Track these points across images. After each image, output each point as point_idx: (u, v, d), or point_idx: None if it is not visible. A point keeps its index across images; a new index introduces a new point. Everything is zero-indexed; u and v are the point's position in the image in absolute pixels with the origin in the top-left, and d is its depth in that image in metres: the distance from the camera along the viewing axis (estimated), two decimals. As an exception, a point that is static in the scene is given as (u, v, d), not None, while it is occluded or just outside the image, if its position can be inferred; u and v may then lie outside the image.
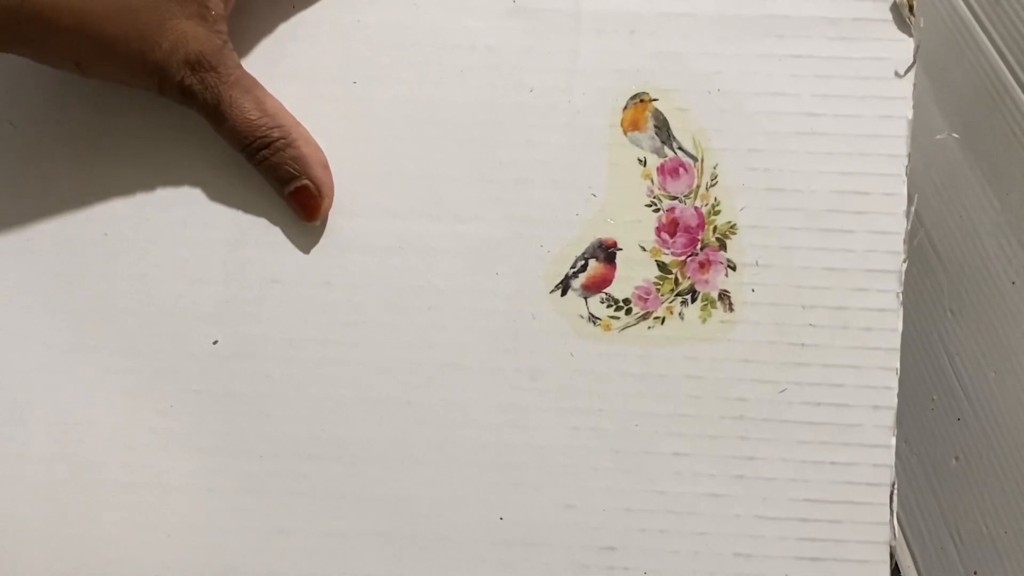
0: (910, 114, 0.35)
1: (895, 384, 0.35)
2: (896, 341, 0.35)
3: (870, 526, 0.35)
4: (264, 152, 0.34)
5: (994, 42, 0.39)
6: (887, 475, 0.35)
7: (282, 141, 0.34)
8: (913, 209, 0.35)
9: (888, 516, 0.35)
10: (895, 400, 0.35)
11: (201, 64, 0.33)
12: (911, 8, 0.35)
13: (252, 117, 0.34)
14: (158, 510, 0.35)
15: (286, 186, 0.35)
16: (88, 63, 0.33)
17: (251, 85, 0.34)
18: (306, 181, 0.35)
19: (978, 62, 0.40)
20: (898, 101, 0.35)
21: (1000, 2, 0.38)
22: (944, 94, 0.42)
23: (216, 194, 0.36)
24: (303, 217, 0.35)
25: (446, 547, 0.35)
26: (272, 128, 0.34)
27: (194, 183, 0.36)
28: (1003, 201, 0.40)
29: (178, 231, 0.36)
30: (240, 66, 0.34)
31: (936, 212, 0.43)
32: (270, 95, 0.35)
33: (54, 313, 0.36)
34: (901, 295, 0.35)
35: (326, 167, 0.35)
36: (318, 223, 0.36)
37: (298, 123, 0.35)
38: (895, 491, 0.35)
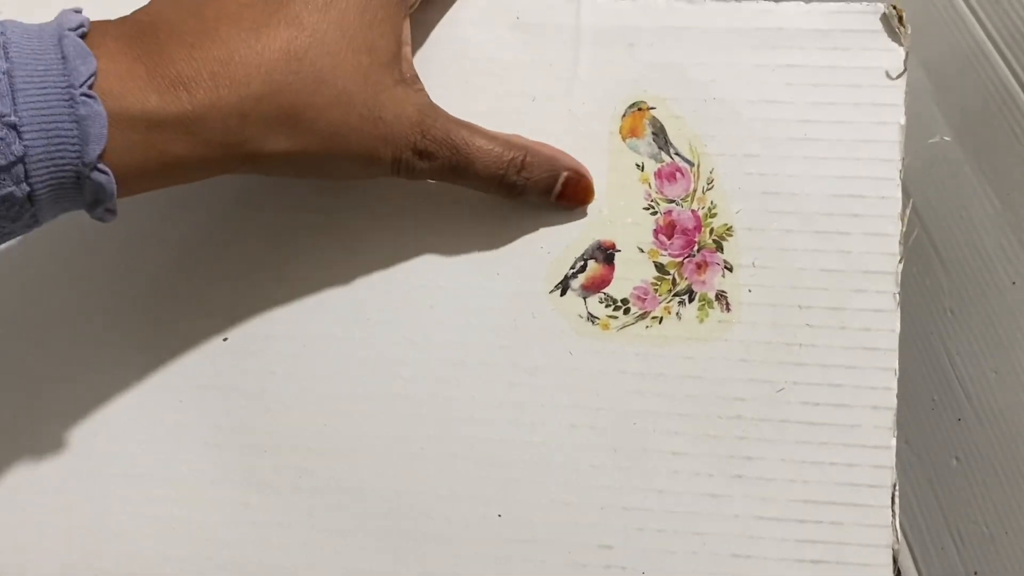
0: (903, 120, 0.36)
1: (894, 384, 0.35)
2: (894, 342, 0.36)
3: (872, 528, 0.35)
4: (523, 174, 0.35)
5: (994, 42, 0.39)
6: (888, 477, 0.35)
7: (528, 155, 0.35)
8: (908, 211, 0.36)
9: (890, 518, 0.35)
10: (894, 401, 0.35)
11: (425, 123, 0.34)
12: (900, 19, 0.37)
13: (491, 148, 0.35)
14: (164, 503, 0.37)
15: (552, 191, 0.36)
16: (312, 165, 0.33)
17: (465, 123, 0.35)
18: (566, 174, 0.36)
19: (978, 62, 0.41)
20: (891, 107, 0.37)
21: (1000, 2, 0.39)
22: (944, 94, 0.43)
23: (228, 196, 0.38)
24: (578, 204, 0.37)
25: (445, 543, 0.36)
26: (511, 149, 0.35)
27: (209, 190, 0.38)
28: (1003, 201, 0.40)
29: (191, 231, 0.38)
30: (450, 114, 0.35)
31: (936, 212, 0.44)
32: (482, 127, 0.36)
33: (68, 308, 0.38)
34: (898, 296, 0.36)
35: (563, 151, 0.37)
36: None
37: (519, 135, 0.36)
38: (896, 493, 0.35)
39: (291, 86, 0.30)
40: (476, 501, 0.36)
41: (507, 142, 0.35)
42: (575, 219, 0.37)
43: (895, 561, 0.35)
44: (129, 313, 0.38)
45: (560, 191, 0.36)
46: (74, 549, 0.37)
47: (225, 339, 0.37)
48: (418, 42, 0.39)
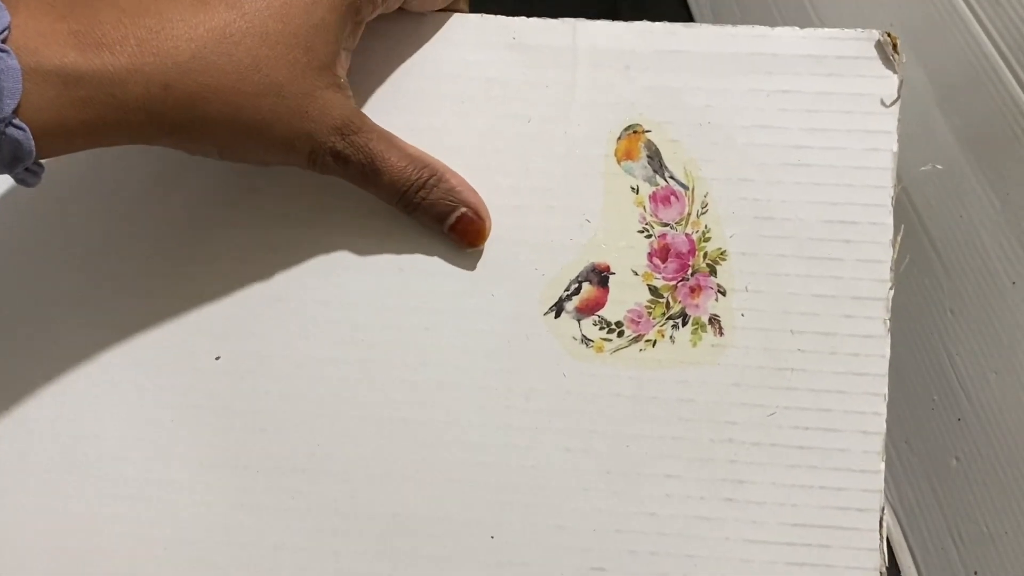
0: (895, 147, 0.37)
1: (883, 410, 0.36)
2: (884, 367, 0.36)
3: (860, 552, 0.36)
4: (420, 194, 0.36)
5: (994, 42, 0.40)
6: (876, 501, 0.36)
7: (434, 179, 0.36)
8: (900, 238, 0.37)
9: (878, 542, 0.36)
10: (883, 426, 0.36)
11: (348, 127, 0.35)
12: (895, 46, 0.37)
13: (402, 165, 0.36)
14: (155, 523, 0.37)
15: (446, 220, 0.37)
16: (233, 146, 0.34)
17: (389, 136, 0.36)
18: (464, 210, 0.37)
19: (978, 62, 0.41)
20: (883, 135, 0.37)
21: (1001, 2, 0.39)
22: (944, 95, 0.44)
23: (222, 216, 0.38)
24: (467, 244, 0.38)
25: (438, 565, 0.36)
26: (421, 169, 0.36)
27: (202, 205, 0.38)
28: (1003, 201, 0.41)
29: (185, 250, 0.38)
30: (375, 123, 0.36)
31: (936, 212, 0.45)
32: (405, 142, 0.37)
33: (61, 325, 0.38)
34: (888, 322, 0.36)
35: (476, 192, 0.37)
36: (481, 247, 0.38)
37: (438, 160, 0.37)
38: (884, 517, 0.36)
39: (222, 68, 0.31)
40: (469, 524, 0.36)
41: (420, 160, 0.36)
42: (570, 242, 0.37)
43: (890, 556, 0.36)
44: (121, 331, 0.38)
45: (453, 223, 0.37)
46: (63, 569, 0.37)
47: (218, 358, 0.37)
48: (414, 60, 0.39)
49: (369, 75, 0.39)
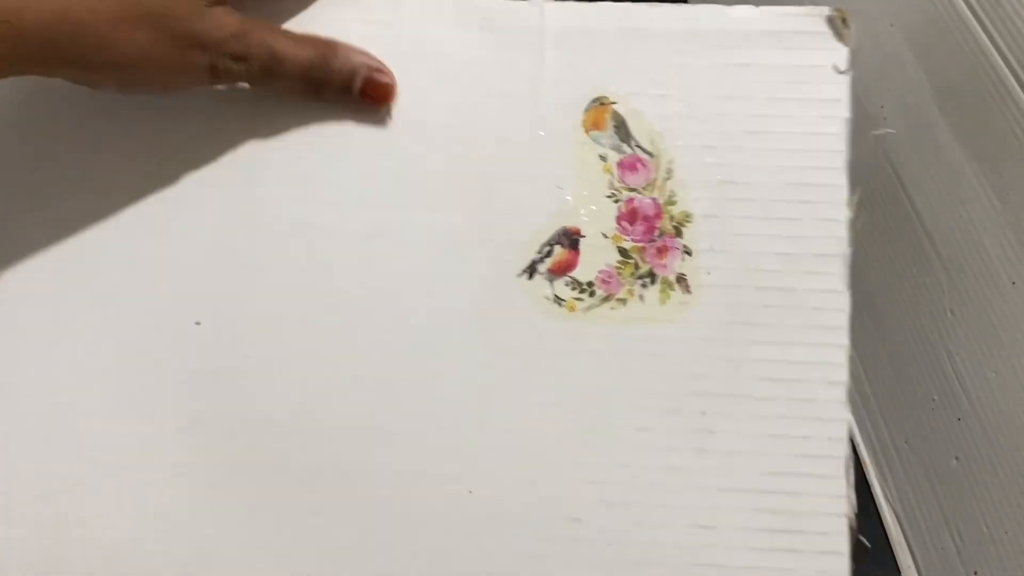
0: (847, 113, 0.39)
1: (845, 360, 0.38)
2: (844, 319, 0.38)
3: (828, 499, 0.37)
4: (323, 68, 0.38)
5: (994, 42, 0.41)
6: (842, 448, 0.37)
7: (329, 51, 0.38)
8: (857, 198, 0.39)
9: (845, 488, 0.37)
10: (846, 375, 0.37)
11: (242, 31, 0.37)
12: (844, 20, 0.40)
13: (299, 48, 0.38)
14: (136, 487, 0.37)
15: (353, 86, 0.39)
16: (131, 73, 0.36)
17: (278, 28, 0.39)
18: (365, 70, 0.39)
19: (978, 62, 0.42)
20: (836, 103, 0.39)
21: (1001, 2, 0.40)
22: (944, 94, 0.44)
23: (206, 181, 0.40)
24: (380, 102, 0.40)
25: (416, 521, 0.37)
26: (316, 46, 0.38)
27: (185, 170, 0.40)
28: (1003, 201, 0.41)
29: (168, 215, 0.39)
30: (262, 20, 0.38)
31: (936, 212, 0.45)
32: (287, 30, 0.39)
33: (42, 289, 0.39)
34: (846, 277, 0.38)
35: (371, 54, 0.40)
36: (394, 102, 0.40)
37: (327, 37, 0.39)
38: (851, 464, 0.37)
39: None
40: (447, 479, 0.37)
41: (312, 39, 0.39)
42: (542, 208, 0.39)
43: (852, 530, 0.37)
44: (100, 295, 0.39)
45: (361, 87, 0.39)
46: (44, 536, 0.37)
47: (198, 323, 0.38)
48: (388, 39, 0.41)
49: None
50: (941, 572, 0.46)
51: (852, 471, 0.37)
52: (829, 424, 0.37)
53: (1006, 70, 0.41)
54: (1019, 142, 0.41)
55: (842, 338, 0.38)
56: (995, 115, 0.42)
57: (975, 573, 0.44)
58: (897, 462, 0.49)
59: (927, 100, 0.46)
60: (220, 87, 0.39)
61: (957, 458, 0.45)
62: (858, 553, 0.37)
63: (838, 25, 0.40)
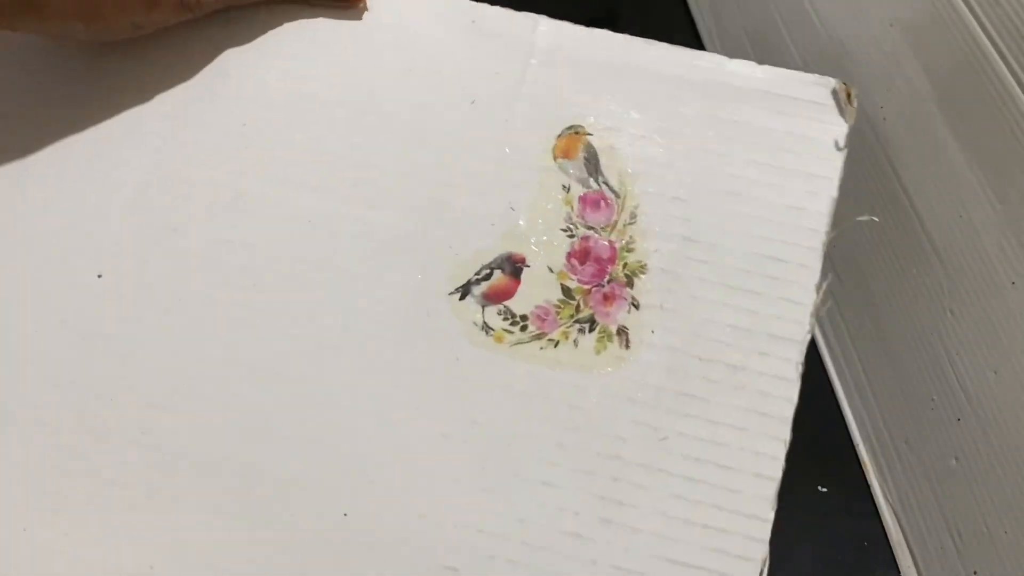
0: (835, 193, 0.36)
1: (782, 456, 0.34)
2: (789, 411, 0.35)
3: (733, 604, 0.33)
4: None
5: (994, 42, 0.40)
6: (760, 551, 0.33)
7: None
8: (825, 286, 0.36)
9: (754, 598, 0.33)
10: (780, 472, 0.34)
11: None
12: (849, 96, 0.37)
13: None
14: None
15: None
16: (98, 12, 0.34)
17: None
18: None
19: (978, 62, 0.41)
20: (825, 180, 0.37)
21: (1000, 2, 0.39)
22: (944, 94, 0.43)
23: (135, 133, 0.37)
24: (352, 3, 0.38)
25: (281, 530, 0.33)
26: None
27: (117, 118, 0.37)
28: (1003, 201, 0.40)
29: (91, 162, 0.37)
30: None
31: (936, 212, 0.44)
32: None
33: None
34: (801, 367, 0.35)
35: None
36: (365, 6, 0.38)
37: None
38: (765, 570, 0.33)
39: None
40: (325, 492, 0.33)
41: None
42: (490, 227, 0.36)
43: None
44: (8, 235, 0.36)
45: None
46: None
47: (100, 276, 0.35)
48: (365, 23, 0.38)
49: (319, 29, 0.38)
50: (941, 572, 0.45)
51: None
52: (750, 522, 0.34)
53: (1006, 70, 0.40)
54: (1019, 142, 0.39)
55: (783, 431, 0.34)
56: (995, 115, 0.41)
57: (975, 573, 0.43)
58: (897, 462, 0.48)
59: (927, 100, 0.45)
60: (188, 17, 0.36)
61: (957, 458, 0.44)
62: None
63: (842, 99, 0.37)
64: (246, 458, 0.34)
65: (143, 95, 0.37)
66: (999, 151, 0.40)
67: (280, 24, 0.38)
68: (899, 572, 0.48)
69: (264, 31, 0.38)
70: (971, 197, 0.42)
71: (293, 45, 0.38)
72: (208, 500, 0.33)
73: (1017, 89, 0.39)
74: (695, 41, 0.66)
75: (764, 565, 0.33)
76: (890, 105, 0.47)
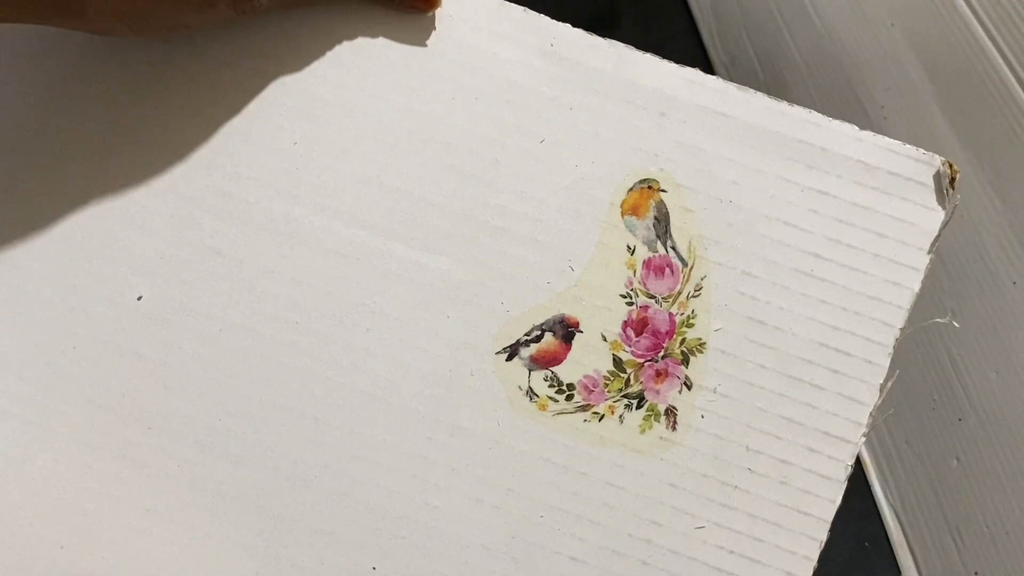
0: (917, 288, 0.34)
1: (815, 556, 0.34)
2: (830, 514, 0.34)
3: None
4: None
5: (995, 42, 0.39)
6: (779, 648, 0.34)
7: None
8: (890, 385, 0.34)
9: None
10: (810, 572, 0.34)
11: None
12: (952, 181, 0.34)
13: None
14: (26, 447, 0.34)
15: None
16: (144, 8, 0.31)
17: None
18: None
19: (978, 62, 0.40)
20: (910, 271, 0.34)
21: (1000, 2, 0.39)
22: (944, 94, 0.43)
23: (183, 147, 0.35)
24: (426, 6, 0.34)
25: (308, 580, 0.34)
26: None
27: (167, 131, 0.35)
28: (1004, 201, 0.40)
29: (134, 172, 0.35)
30: None
31: None
32: None
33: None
34: (850, 468, 0.34)
35: None
36: (439, 7, 0.35)
37: None
38: (782, 666, 0.34)
39: None
40: (354, 547, 0.34)
41: None
42: (546, 284, 0.34)
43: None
44: (46, 245, 0.34)
45: None
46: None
47: (140, 298, 0.34)
48: (438, 38, 0.35)
49: (377, 40, 0.35)
50: (941, 572, 0.46)
51: (781, 672, 0.34)
52: (774, 619, 0.34)
53: (1006, 70, 0.39)
54: (1019, 142, 0.39)
55: (820, 532, 0.34)
56: (995, 115, 0.40)
57: (975, 573, 0.44)
58: (897, 462, 0.48)
59: (927, 100, 0.44)
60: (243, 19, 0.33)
61: (957, 458, 0.45)
62: None
63: (944, 183, 0.34)
64: (279, 502, 0.34)
65: (192, 100, 0.35)
66: (999, 151, 0.39)
67: (340, 31, 0.35)
68: (899, 572, 0.49)
69: (322, 37, 0.35)
70: (971, 197, 0.42)
71: (352, 56, 0.35)
72: (240, 540, 0.34)
73: (1017, 88, 0.37)
74: (696, 41, 0.63)
75: (781, 662, 0.34)
76: (890, 105, 0.46)
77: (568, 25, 0.35)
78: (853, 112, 0.50)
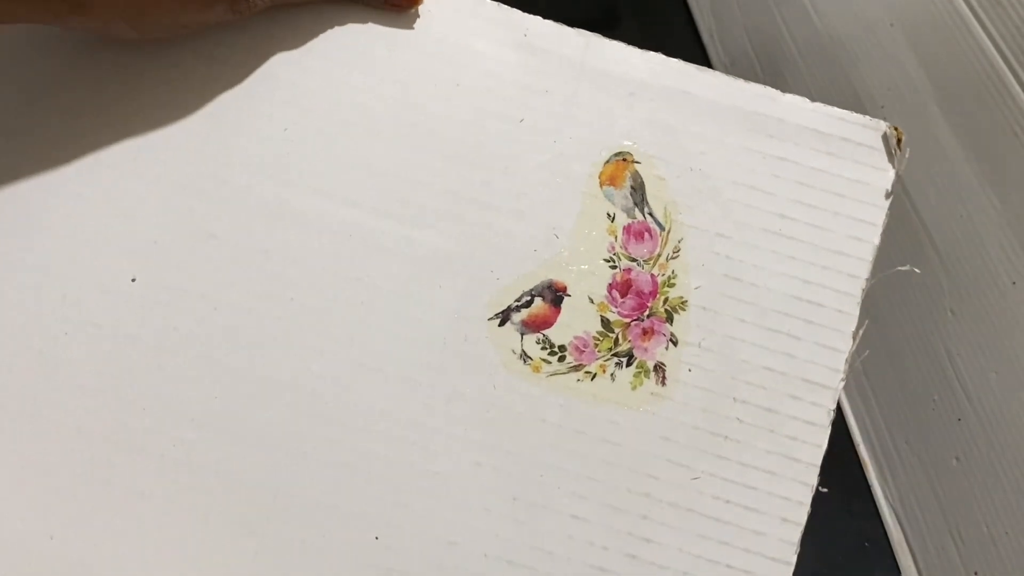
0: (877, 240, 0.36)
1: (808, 501, 0.35)
2: (818, 458, 0.35)
3: (752, 642, 0.34)
4: None
5: (994, 42, 0.40)
6: (781, 593, 0.34)
7: None
8: (862, 332, 0.36)
9: (772, 636, 0.34)
10: (805, 517, 0.35)
11: None
12: (899, 141, 0.37)
13: None
14: (24, 442, 0.33)
15: None
16: (146, 10, 0.32)
17: None
18: None
19: (978, 62, 0.41)
20: (869, 226, 0.37)
21: (1000, 2, 0.39)
22: (944, 94, 0.43)
23: (175, 134, 0.36)
24: (408, 4, 0.37)
25: (310, 553, 0.33)
26: None
27: (160, 120, 0.36)
28: (1003, 201, 0.41)
29: (128, 159, 0.35)
30: None
31: (936, 212, 0.44)
32: None
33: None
34: (832, 413, 0.35)
35: None
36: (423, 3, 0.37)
37: None
38: (785, 610, 0.34)
39: None
40: (356, 517, 0.34)
41: None
42: (532, 253, 0.36)
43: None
44: (37, 232, 0.35)
45: None
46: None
47: (133, 280, 0.35)
48: (416, 32, 0.37)
49: (370, 36, 0.37)
50: (941, 572, 0.46)
51: (784, 618, 0.34)
52: (773, 565, 0.34)
53: (1006, 70, 0.40)
54: (1019, 142, 0.40)
55: (811, 476, 0.35)
56: (995, 115, 0.41)
57: (975, 573, 0.44)
58: (897, 462, 0.49)
59: (927, 100, 0.45)
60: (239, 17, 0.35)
61: (957, 458, 0.45)
62: None
63: (892, 145, 0.37)
64: (278, 478, 0.34)
65: (184, 93, 0.36)
66: (999, 151, 0.40)
67: (326, 28, 0.37)
68: (899, 572, 0.49)
69: (309, 33, 0.37)
70: (971, 197, 0.43)
71: (339, 51, 0.37)
72: (239, 519, 0.33)
73: (1018, 88, 0.39)
74: (695, 41, 0.66)
75: (784, 608, 0.34)
76: (890, 105, 0.47)
77: (539, 18, 0.38)
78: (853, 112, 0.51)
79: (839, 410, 0.53)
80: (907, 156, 0.37)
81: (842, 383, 0.36)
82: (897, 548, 0.50)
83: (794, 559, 0.34)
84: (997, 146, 0.41)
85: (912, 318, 0.46)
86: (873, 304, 0.48)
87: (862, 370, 0.51)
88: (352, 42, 0.37)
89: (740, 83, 0.38)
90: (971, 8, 0.42)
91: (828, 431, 0.35)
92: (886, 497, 0.51)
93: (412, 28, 0.37)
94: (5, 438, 0.33)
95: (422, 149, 0.36)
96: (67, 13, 0.31)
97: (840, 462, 0.51)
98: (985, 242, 0.42)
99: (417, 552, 0.33)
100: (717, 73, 0.38)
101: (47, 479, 0.33)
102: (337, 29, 0.37)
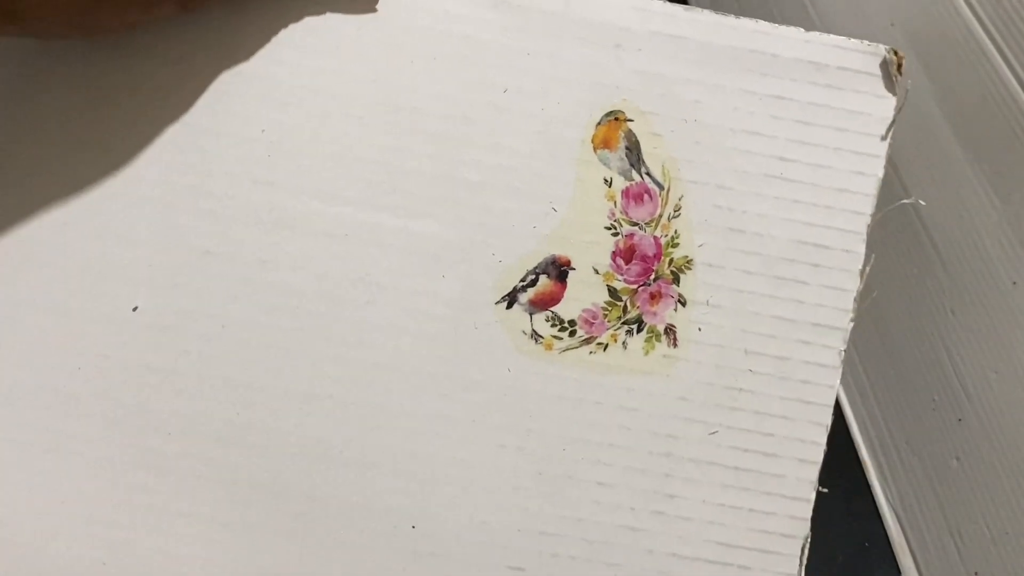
0: (881, 173, 0.36)
1: (823, 441, 0.36)
2: (831, 398, 0.36)
3: (778, 576, 0.36)
4: None
5: (995, 42, 0.39)
6: (803, 528, 0.36)
7: None
8: (868, 269, 0.36)
9: (797, 567, 0.36)
10: (821, 456, 0.36)
11: None
12: (899, 66, 0.35)
13: None
14: (52, 474, 0.34)
15: None
16: (94, 11, 0.30)
17: None
18: None
19: (978, 62, 0.40)
20: (872, 159, 0.36)
21: (1000, 2, 0.39)
22: (944, 94, 0.43)
23: (151, 151, 0.34)
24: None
25: (352, 551, 0.35)
26: None
27: (133, 136, 0.34)
28: (1004, 201, 0.40)
29: (110, 183, 0.34)
30: None
31: (936, 212, 0.44)
32: None
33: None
34: (843, 353, 0.36)
35: None
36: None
37: None
38: (807, 544, 0.36)
39: None
40: (391, 512, 0.35)
41: None
42: (532, 229, 0.35)
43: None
44: (32, 268, 0.34)
45: None
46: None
47: (135, 308, 0.34)
48: (384, 3, 0.35)
49: (327, 17, 0.35)
50: (941, 572, 0.47)
51: (807, 552, 0.36)
52: (793, 503, 0.36)
53: (1006, 69, 0.39)
54: (1020, 142, 0.39)
55: (824, 416, 0.36)
56: (996, 115, 0.40)
57: (975, 573, 0.45)
58: (897, 462, 0.49)
59: (927, 100, 0.44)
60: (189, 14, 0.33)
61: (957, 458, 0.45)
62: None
63: (892, 70, 0.35)
64: (310, 484, 0.34)
65: (148, 103, 0.34)
66: (1000, 151, 0.39)
67: (286, 13, 0.34)
68: (900, 573, 0.50)
69: (268, 22, 0.34)
70: (971, 197, 0.42)
71: (302, 35, 0.34)
72: (278, 527, 0.34)
73: (1018, 88, 0.38)
74: None
75: (806, 542, 0.36)
76: None
77: (512, -29, 0.35)
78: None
79: (839, 410, 0.54)
80: (909, 84, 0.35)
81: (851, 323, 0.36)
82: (897, 548, 0.50)
83: (812, 496, 0.36)
84: (998, 146, 0.40)
85: (912, 318, 0.45)
86: (873, 304, 0.47)
87: (862, 370, 0.50)
88: (318, 25, 0.35)
89: (731, 20, 0.36)
90: (971, 8, 0.40)
91: (839, 372, 0.36)
92: (886, 497, 0.51)
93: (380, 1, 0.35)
94: (38, 478, 0.34)
95: (407, 132, 0.35)
96: (9, 22, 0.29)
97: (840, 462, 0.51)
98: (985, 242, 0.42)
99: (453, 535, 0.35)
100: (706, 11, 0.36)
101: (87, 511, 0.34)
102: (299, 13, 0.35)
